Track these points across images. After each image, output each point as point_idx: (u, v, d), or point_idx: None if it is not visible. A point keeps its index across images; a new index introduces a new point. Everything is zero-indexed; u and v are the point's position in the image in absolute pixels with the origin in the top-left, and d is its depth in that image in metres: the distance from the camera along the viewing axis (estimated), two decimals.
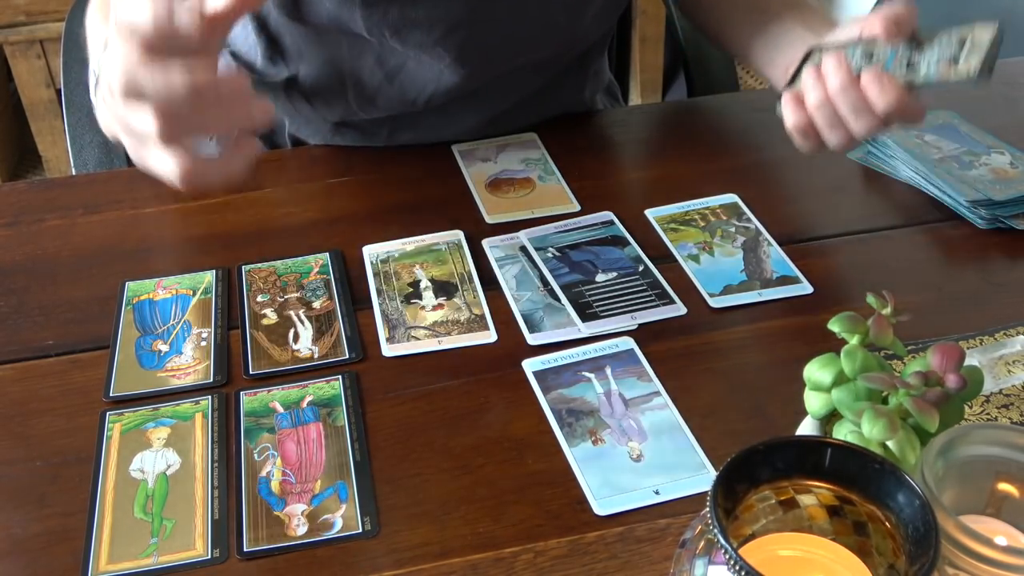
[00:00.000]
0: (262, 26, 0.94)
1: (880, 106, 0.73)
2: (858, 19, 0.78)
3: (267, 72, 0.97)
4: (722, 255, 0.81)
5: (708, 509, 0.43)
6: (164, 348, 0.73)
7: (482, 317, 0.75)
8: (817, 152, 0.80)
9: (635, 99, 2.40)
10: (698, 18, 1.05)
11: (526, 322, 0.74)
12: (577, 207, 0.87)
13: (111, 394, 0.69)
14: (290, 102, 0.97)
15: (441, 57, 0.87)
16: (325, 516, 0.61)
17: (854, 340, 0.55)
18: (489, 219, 0.86)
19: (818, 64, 0.77)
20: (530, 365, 0.71)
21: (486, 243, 0.83)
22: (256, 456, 0.65)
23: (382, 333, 0.74)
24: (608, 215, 0.85)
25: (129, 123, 0.62)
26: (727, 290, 0.77)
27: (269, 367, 0.71)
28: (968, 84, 0.73)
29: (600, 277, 0.79)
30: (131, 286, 0.79)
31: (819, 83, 0.76)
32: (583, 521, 0.60)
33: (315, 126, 0.97)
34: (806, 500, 0.47)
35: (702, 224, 0.85)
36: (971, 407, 0.65)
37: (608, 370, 0.70)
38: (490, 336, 0.74)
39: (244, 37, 0.96)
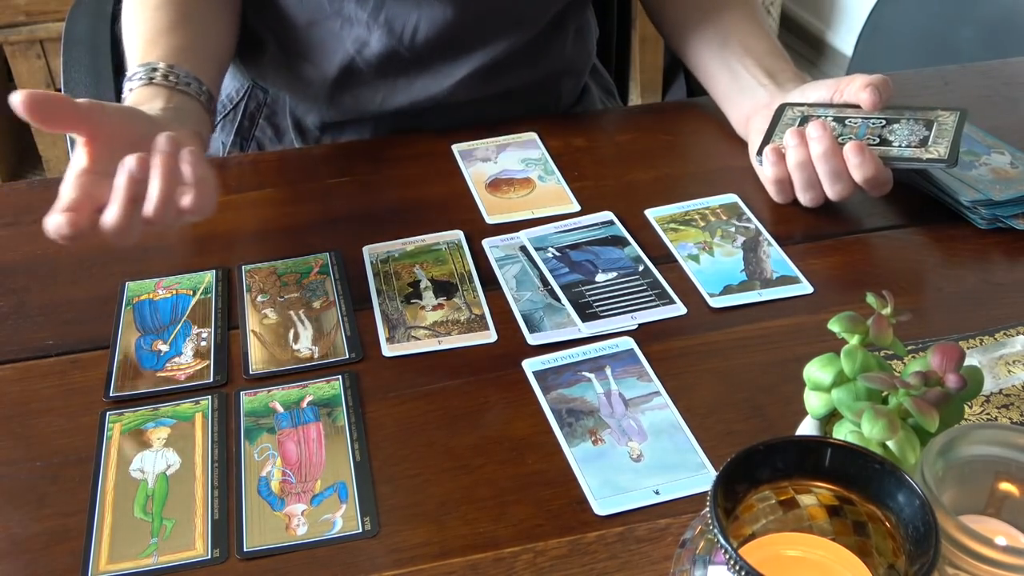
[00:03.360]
0: None
1: (858, 176, 0.79)
2: (828, 82, 0.87)
3: (259, 27, 0.98)
4: (722, 255, 0.81)
5: (708, 509, 0.43)
6: (164, 348, 0.73)
7: (482, 317, 0.75)
8: (788, 202, 0.85)
9: (635, 99, 2.40)
10: (656, 17, 1.07)
11: (526, 322, 0.74)
12: (577, 207, 0.87)
13: (111, 394, 0.69)
14: (287, 65, 0.98)
15: None
16: (325, 516, 0.61)
17: (854, 340, 0.55)
18: (489, 219, 0.86)
19: (796, 124, 0.85)
20: (530, 365, 0.71)
21: (486, 243, 0.83)
22: (256, 456, 0.65)
23: (382, 333, 0.74)
24: (608, 215, 0.85)
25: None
26: (727, 290, 0.77)
27: (269, 367, 0.71)
28: (937, 167, 0.82)
29: (600, 277, 0.79)
30: (131, 286, 0.79)
31: (802, 145, 0.82)
32: (583, 521, 0.60)
33: (314, 90, 0.99)
34: (806, 500, 0.47)
35: (702, 224, 0.85)
36: (971, 407, 0.65)
37: (608, 370, 0.70)
38: (490, 336, 0.74)
39: None
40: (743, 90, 0.93)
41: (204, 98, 0.83)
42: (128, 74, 0.82)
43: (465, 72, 0.97)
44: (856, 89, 0.85)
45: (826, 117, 0.85)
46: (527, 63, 1.00)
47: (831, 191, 0.81)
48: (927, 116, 0.85)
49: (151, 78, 0.80)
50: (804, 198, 0.83)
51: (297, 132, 1.03)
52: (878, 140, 0.83)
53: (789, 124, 0.85)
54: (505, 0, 0.95)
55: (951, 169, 0.82)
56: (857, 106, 0.86)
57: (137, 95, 0.80)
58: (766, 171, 0.84)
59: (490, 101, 1.00)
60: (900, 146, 0.82)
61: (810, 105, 0.87)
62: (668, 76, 2.31)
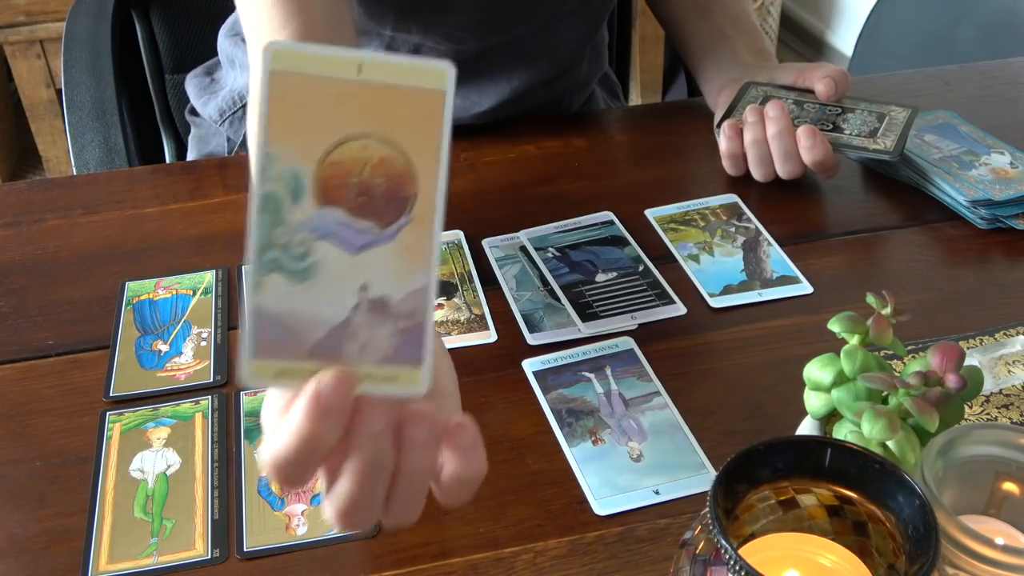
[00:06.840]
0: None
1: (808, 158, 0.84)
2: (795, 66, 0.93)
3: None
4: (722, 255, 0.81)
5: (708, 509, 0.43)
6: (164, 348, 0.73)
7: (482, 317, 0.75)
8: (739, 175, 0.89)
9: (635, 99, 2.40)
10: (658, 9, 1.08)
11: (526, 322, 0.74)
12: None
13: (111, 394, 0.69)
14: None
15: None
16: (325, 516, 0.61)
17: (854, 340, 0.55)
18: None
19: (758, 102, 0.89)
20: (530, 365, 0.71)
21: (486, 243, 0.83)
22: (256, 456, 0.65)
23: None
24: (608, 215, 0.85)
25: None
26: (727, 290, 0.77)
27: None
28: (883, 157, 0.86)
29: (600, 277, 0.79)
30: (131, 286, 0.79)
31: (759, 124, 0.86)
32: (583, 521, 0.60)
33: None
34: (806, 500, 0.47)
35: (702, 224, 0.85)
36: (971, 407, 0.65)
37: (608, 370, 0.70)
38: (490, 336, 0.74)
39: None
40: (719, 62, 0.98)
41: None
42: None
43: (488, 104, 0.98)
44: (816, 78, 0.90)
45: (786, 100, 0.90)
46: (547, 87, 1.01)
47: (781, 169, 0.86)
48: (880, 110, 0.89)
49: None
50: (756, 173, 0.87)
51: None
52: (831, 127, 0.88)
53: (751, 102, 0.90)
54: (527, 39, 0.95)
55: (896, 160, 0.86)
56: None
57: None
58: (721, 145, 0.89)
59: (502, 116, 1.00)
60: (851, 134, 0.87)
61: (774, 86, 0.92)
62: (668, 76, 2.31)
